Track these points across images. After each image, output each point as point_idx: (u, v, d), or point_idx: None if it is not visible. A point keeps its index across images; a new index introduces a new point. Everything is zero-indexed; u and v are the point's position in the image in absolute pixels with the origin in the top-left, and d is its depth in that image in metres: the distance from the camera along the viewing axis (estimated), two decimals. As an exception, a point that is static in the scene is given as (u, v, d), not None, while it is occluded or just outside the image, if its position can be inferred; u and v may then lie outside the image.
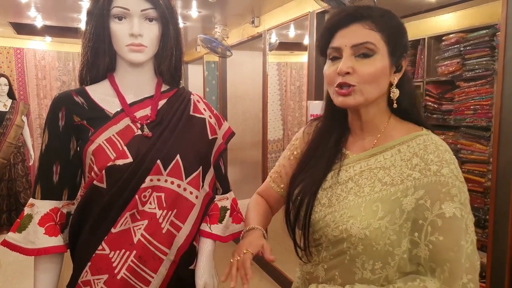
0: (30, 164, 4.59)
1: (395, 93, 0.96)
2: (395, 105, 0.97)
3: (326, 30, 0.97)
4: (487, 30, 3.14)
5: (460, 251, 0.86)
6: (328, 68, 0.96)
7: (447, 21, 3.70)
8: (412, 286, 0.86)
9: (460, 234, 0.86)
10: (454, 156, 0.92)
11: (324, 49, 0.98)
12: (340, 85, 0.93)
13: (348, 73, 0.91)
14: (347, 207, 0.93)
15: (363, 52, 0.91)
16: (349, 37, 0.92)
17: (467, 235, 0.87)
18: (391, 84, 0.96)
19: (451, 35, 3.47)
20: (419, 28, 3.97)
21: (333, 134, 1.04)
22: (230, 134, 1.25)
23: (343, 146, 1.03)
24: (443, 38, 3.55)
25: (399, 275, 0.90)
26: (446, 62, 3.52)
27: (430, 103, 3.72)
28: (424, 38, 3.80)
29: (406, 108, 0.99)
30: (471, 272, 0.87)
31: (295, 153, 1.13)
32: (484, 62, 3.17)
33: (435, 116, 3.68)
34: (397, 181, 0.91)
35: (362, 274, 0.92)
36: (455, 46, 3.41)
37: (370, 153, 0.98)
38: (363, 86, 0.92)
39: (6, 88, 4.31)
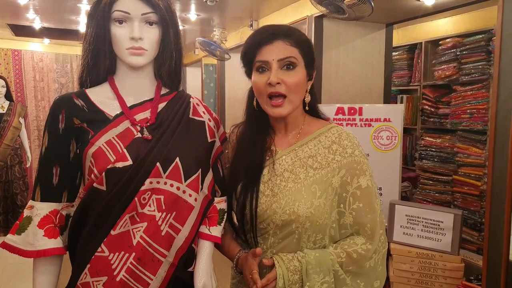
0: (27, 166, 4.58)
1: (308, 98, 1.16)
2: (307, 108, 1.17)
3: (252, 45, 1.11)
4: (483, 35, 3.17)
5: (375, 212, 1.11)
6: (258, 79, 1.10)
7: (443, 26, 3.73)
8: (344, 243, 1.09)
9: (373, 200, 1.11)
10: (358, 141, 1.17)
11: (250, 61, 1.13)
12: (271, 95, 1.08)
13: (278, 83, 1.07)
14: (290, 193, 1.09)
15: (287, 65, 1.08)
16: (275, 52, 1.08)
17: (377, 200, 1.13)
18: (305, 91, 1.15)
19: (448, 40, 3.50)
20: (416, 33, 4.00)
21: (259, 135, 1.18)
22: (224, 138, 1.26)
23: (271, 144, 1.17)
24: (440, 42, 3.58)
25: (331, 242, 1.11)
26: (442, 66, 3.54)
27: (427, 107, 3.74)
28: (421, 42, 3.83)
29: (314, 108, 1.21)
30: (382, 227, 1.13)
31: (227, 165, 1.24)
32: (480, 67, 3.20)
33: (431, 119, 3.71)
34: (325, 165, 1.11)
35: (306, 246, 1.10)
36: (452, 50, 3.43)
37: (296, 146, 1.15)
38: (292, 95, 1.09)
39: (4, 90, 4.30)
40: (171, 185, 1.06)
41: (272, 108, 1.10)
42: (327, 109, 2.76)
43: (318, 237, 1.09)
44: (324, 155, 1.12)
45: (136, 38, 1.04)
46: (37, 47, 5.84)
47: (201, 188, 1.13)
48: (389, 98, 3.29)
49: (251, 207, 1.11)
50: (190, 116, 1.17)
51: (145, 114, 1.11)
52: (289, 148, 1.15)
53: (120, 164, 1.02)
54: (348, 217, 1.09)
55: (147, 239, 1.03)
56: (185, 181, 1.08)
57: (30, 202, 1.07)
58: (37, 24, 4.37)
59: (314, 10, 2.60)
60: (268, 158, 1.15)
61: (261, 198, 1.11)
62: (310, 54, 1.13)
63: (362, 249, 1.07)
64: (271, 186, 1.12)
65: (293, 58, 1.08)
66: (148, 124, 1.09)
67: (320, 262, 1.04)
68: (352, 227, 1.10)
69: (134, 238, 1.03)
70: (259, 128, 1.19)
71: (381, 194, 2.60)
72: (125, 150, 1.04)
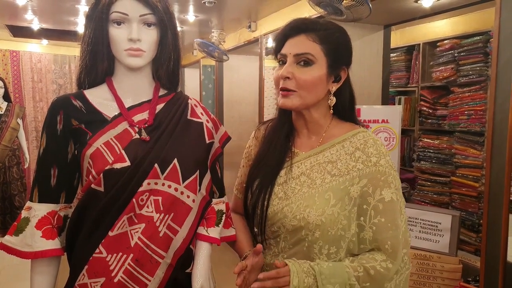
0: (25, 167, 4.57)
1: (332, 100, 1.09)
2: (331, 111, 1.10)
3: (278, 38, 1.09)
4: (480, 37, 3.18)
5: (398, 229, 1.01)
6: (276, 72, 1.08)
7: (441, 28, 3.74)
8: (363, 258, 1.00)
9: (396, 215, 1.02)
10: (387, 150, 1.08)
11: (276, 54, 1.10)
12: (282, 88, 1.05)
13: (288, 78, 1.03)
14: (303, 198, 1.04)
15: (303, 61, 1.03)
16: (294, 46, 1.04)
17: (402, 216, 1.04)
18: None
19: (446, 41, 3.51)
20: (414, 34, 4.01)
21: (282, 133, 1.14)
22: (226, 139, 1.26)
23: (292, 145, 1.13)
24: (438, 44, 3.58)
25: (349, 256, 1.03)
26: (440, 68, 3.55)
27: (424, 108, 3.74)
28: (419, 44, 3.84)
29: (346, 111, 1.13)
30: (406, 247, 1.03)
31: (250, 162, 1.21)
32: (478, 68, 3.20)
33: (429, 121, 3.71)
34: (344, 172, 1.04)
35: (318, 259, 1.02)
36: (450, 52, 3.44)
37: (318, 150, 1.09)
38: (301, 91, 1.04)
39: (2, 91, 4.29)
40: (169, 186, 1.06)
41: (281, 98, 1.06)
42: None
43: (332, 251, 1.01)
44: (345, 162, 1.04)
45: (134, 39, 1.04)
46: (35, 48, 5.82)
47: (199, 189, 1.13)
48: (387, 99, 3.29)
49: (262, 207, 1.08)
50: (188, 117, 1.17)
51: (143, 115, 1.11)
52: (309, 151, 1.10)
53: (118, 165, 1.02)
54: (368, 232, 1.00)
55: (145, 240, 1.03)
56: (183, 182, 1.08)
57: (28, 203, 1.07)
58: (36, 25, 4.36)
59: (313, 12, 2.61)
60: (288, 159, 1.11)
61: (274, 200, 1.08)
62: (337, 54, 1.06)
63: (382, 267, 0.97)
64: (285, 188, 1.07)
65: (310, 55, 1.03)
66: (146, 125, 1.09)
67: (334, 273, 0.96)
68: (372, 243, 1.01)
69: (132, 239, 1.03)
70: (284, 126, 1.14)
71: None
72: (123, 151, 1.04)
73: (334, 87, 1.08)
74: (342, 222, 1.00)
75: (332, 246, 1.01)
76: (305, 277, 0.95)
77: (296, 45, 1.04)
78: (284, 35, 1.07)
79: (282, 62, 1.07)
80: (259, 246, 1.03)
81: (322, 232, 1.00)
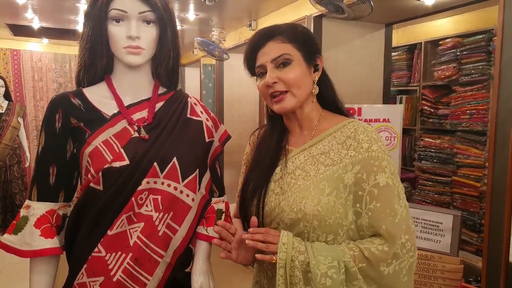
0: (26, 166, 4.57)
1: (316, 89, 1.11)
2: (314, 100, 1.12)
3: (249, 53, 1.11)
4: (483, 35, 3.16)
5: (396, 215, 0.99)
6: (259, 83, 1.10)
7: (443, 26, 3.73)
8: (361, 242, 1.00)
9: (393, 200, 1.00)
10: (379, 135, 1.08)
11: (252, 69, 1.12)
12: (273, 95, 1.07)
13: (275, 82, 1.05)
14: (298, 190, 1.04)
15: (282, 62, 1.06)
16: (268, 54, 1.07)
17: (400, 201, 1.02)
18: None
19: (448, 40, 3.49)
20: (415, 33, 4.00)
21: (274, 136, 1.16)
22: (226, 137, 1.25)
23: (286, 144, 1.15)
24: (440, 42, 3.57)
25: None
26: (442, 67, 3.53)
27: (426, 107, 3.73)
28: (421, 43, 3.82)
29: (334, 102, 1.15)
30: (408, 233, 1.01)
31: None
32: (480, 67, 3.19)
33: (431, 120, 3.70)
34: (337, 161, 1.04)
35: None
36: (452, 50, 3.43)
37: (310, 143, 1.10)
38: (293, 90, 1.06)
39: (2, 90, 4.29)
40: (168, 185, 1.06)
41: (276, 104, 1.08)
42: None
43: (329, 238, 1.02)
44: (337, 151, 1.05)
45: (133, 37, 1.03)
46: (35, 47, 5.83)
47: (199, 188, 1.12)
48: (388, 98, 3.28)
49: (258, 205, 1.08)
50: (188, 115, 1.16)
51: (143, 114, 1.10)
52: (302, 146, 1.11)
53: (117, 164, 1.02)
54: (364, 218, 1.00)
55: (144, 239, 1.03)
56: (182, 181, 1.08)
57: (27, 202, 1.06)
58: (36, 24, 4.36)
59: (313, 10, 2.60)
60: (282, 157, 1.12)
61: (271, 196, 1.08)
62: (308, 46, 1.09)
63: (377, 249, 0.97)
64: (281, 184, 1.08)
65: (287, 55, 1.05)
66: (146, 123, 1.08)
67: (326, 248, 0.97)
68: (368, 229, 1.01)
69: (131, 238, 1.02)
70: (275, 129, 1.17)
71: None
72: (122, 150, 1.03)
73: (316, 76, 1.12)
74: (339, 211, 1.00)
75: (330, 234, 1.01)
76: (295, 241, 0.98)
77: (270, 52, 1.06)
78: (254, 49, 1.09)
79: (262, 74, 1.09)
80: (254, 218, 1.03)
81: (319, 222, 1.00)
